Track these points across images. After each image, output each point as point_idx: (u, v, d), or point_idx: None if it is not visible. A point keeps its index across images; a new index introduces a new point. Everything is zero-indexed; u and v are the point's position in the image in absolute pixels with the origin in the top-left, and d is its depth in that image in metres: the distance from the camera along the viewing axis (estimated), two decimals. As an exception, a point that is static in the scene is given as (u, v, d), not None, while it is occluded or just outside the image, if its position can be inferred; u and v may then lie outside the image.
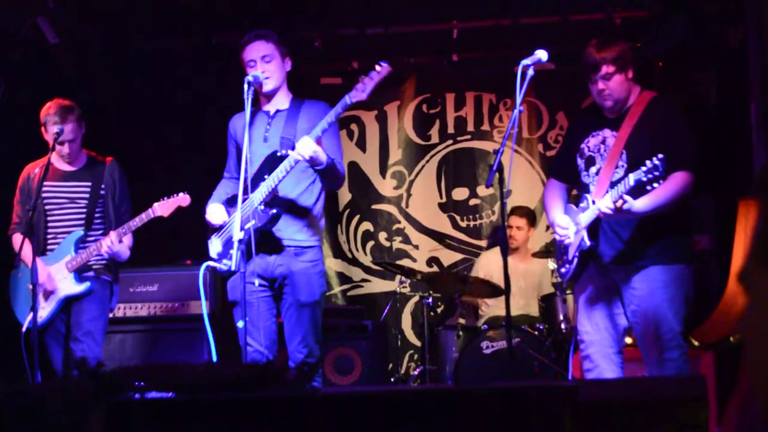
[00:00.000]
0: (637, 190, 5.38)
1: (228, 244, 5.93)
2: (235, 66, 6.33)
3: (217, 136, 6.65)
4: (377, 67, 5.80)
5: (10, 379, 3.93)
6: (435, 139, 10.29)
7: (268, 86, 6.13)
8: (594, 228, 5.72)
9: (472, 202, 10.19)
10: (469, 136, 10.26)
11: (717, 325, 6.85)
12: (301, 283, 6.02)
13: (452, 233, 10.20)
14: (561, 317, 8.18)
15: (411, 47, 9.94)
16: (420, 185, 10.30)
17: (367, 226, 10.23)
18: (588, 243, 5.70)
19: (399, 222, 10.25)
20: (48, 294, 6.68)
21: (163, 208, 6.75)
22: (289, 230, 6.03)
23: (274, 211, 5.89)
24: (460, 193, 10.24)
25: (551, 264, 8.74)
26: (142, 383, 3.92)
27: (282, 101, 6.24)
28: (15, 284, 6.84)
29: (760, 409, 1.72)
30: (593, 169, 5.80)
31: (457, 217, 10.20)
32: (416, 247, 10.21)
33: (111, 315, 6.95)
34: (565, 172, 6.09)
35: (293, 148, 5.80)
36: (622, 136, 5.69)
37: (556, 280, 8.63)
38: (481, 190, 10.12)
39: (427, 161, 10.27)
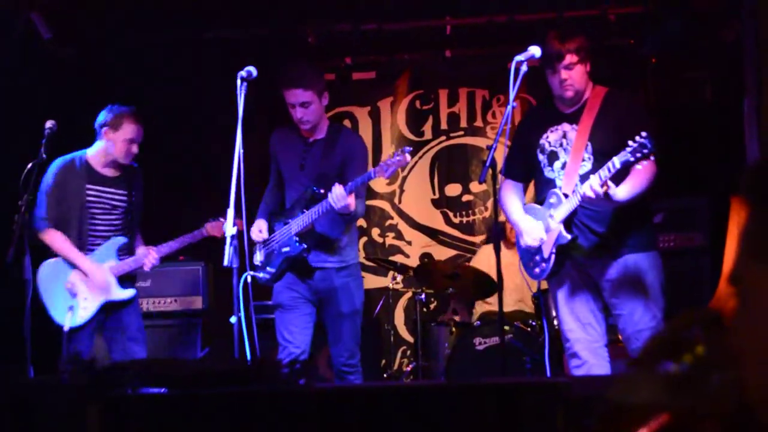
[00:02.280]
0: (620, 174, 5.40)
1: (271, 256, 6.54)
2: (230, 61, 6.34)
3: (211, 131, 6.67)
4: (403, 153, 6.09)
5: (7, 374, 3.94)
6: (428, 135, 10.29)
7: (304, 127, 6.52)
8: (568, 222, 5.73)
9: (465, 198, 10.19)
10: (462, 132, 10.26)
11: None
12: (342, 297, 6.57)
13: (445, 229, 10.20)
14: (554, 314, 8.17)
15: (404, 43, 9.92)
16: (413, 181, 10.30)
17: (359, 221, 10.22)
18: (568, 236, 5.70)
19: (392, 218, 10.25)
20: (91, 293, 6.73)
21: (214, 229, 6.90)
22: (325, 254, 6.56)
23: (305, 246, 6.41)
24: (453, 189, 10.24)
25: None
26: (136, 378, 3.93)
27: (319, 130, 6.61)
28: (49, 280, 6.84)
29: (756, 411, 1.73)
30: (558, 164, 5.82)
31: (450, 213, 10.20)
32: (409, 243, 10.21)
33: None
34: (521, 170, 6.12)
35: (328, 183, 6.23)
36: (584, 128, 5.72)
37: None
38: (474, 186, 10.12)
39: (420, 157, 10.27)
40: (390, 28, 9.52)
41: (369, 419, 3.84)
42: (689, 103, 8.95)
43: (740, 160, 6.94)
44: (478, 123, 10.23)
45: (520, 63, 5.59)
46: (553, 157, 5.85)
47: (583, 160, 5.68)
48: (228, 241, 5.71)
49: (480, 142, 10.12)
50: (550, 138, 5.87)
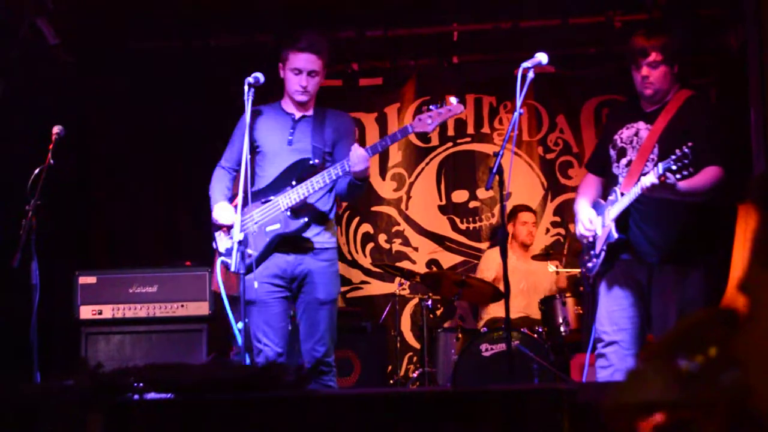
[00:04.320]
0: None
1: (247, 239, 5.93)
2: (235, 68, 6.33)
3: (217, 136, 6.66)
4: (450, 102, 5.98)
5: (13, 381, 3.94)
6: (435, 141, 10.28)
7: (303, 98, 6.19)
8: (622, 222, 5.71)
9: (472, 204, 10.19)
10: (469, 139, 10.26)
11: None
12: (320, 281, 6.08)
13: (452, 235, 10.19)
14: (560, 320, 8.18)
15: (411, 49, 9.93)
16: (420, 187, 10.30)
17: (366, 228, 10.22)
18: (616, 235, 5.69)
19: (399, 224, 10.25)
20: None
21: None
22: (310, 233, 6.08)
23: (306, 219, 6.01)
24: (459, 196, 10.23)
25: (551, 267, 8.76)
26: (141, 384, 3.92)
27: (309, 107, 6.30)
28: None
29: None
30: (624, 161, 5.82)
31: (457, 220, 10.20)
32: (416, 249, 10.21)
33: (110, 316, 7.03)
34: (600, 164, 6.11)
35: (321, 158, 6.01)
36: (657, 129, 5.71)
37: (559, 282, 8.66)
38: (481, 193, 10.12)
39: (427, 163, 10.27)
40: (396, 34, 9.53)
41: (375, 425, 3.84)
42: (720, 111, 8.94)
43: (747, 169, 6.92)
44: (485, 129, 10.23)
45: (526, 69, 5.58)
46: (621, 153, 5.85)
47: (648, 161, 5.67)
48: (235, 246, 5.69)
49: (487, 148, 10.12)
50: (624, 134, 5.86)
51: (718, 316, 1.86)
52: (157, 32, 9.08)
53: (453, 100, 5.99)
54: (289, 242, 6.05)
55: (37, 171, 6.71)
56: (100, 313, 7.71)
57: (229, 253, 5.96)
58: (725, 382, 1.73)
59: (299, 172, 6.02)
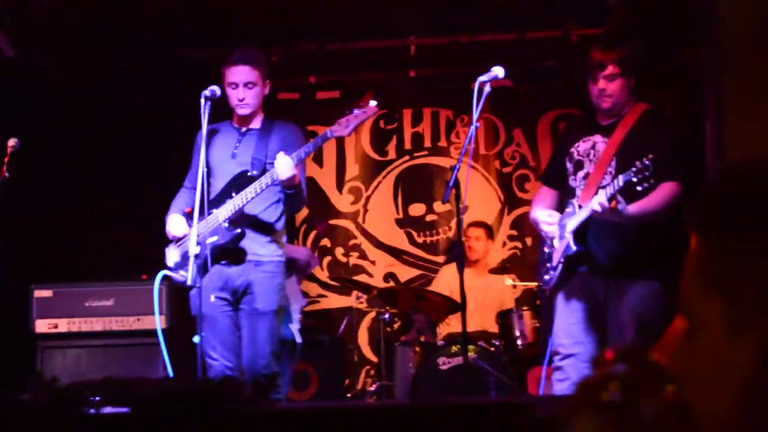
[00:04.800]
0: (626, 193, 5.38)
1: (186, 255, 5.96)
2: (194, 81, 6.32)
3: (175, 150, 6.65)
4: (364, 106, 5.99)
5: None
6: (392, 155, 10.31)
7: (244, 111, 6.22)
8: (580, 234, 5.72)
9: (429, 218, 10.21)
10: (426, 152, 10.29)
11: (661, 353, 6.88)
12: (259, 292, 6.07)
13: (409, 249, 10.21)
14: (518, 333, 8.19)
15: (368, 63, 9.94)
16: (377, 201, 10.31)
17: (323, 241, 10.22)
18: (574, 248, 5.67)
19: (356, 237, 10.25)
20: None
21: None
22: (252, 246, 6.09)
23: (239, 230, 6.00)
24: (416, 209, 10.26)
25: (508, 281, 8.78)
26: (97, 398, 3.90)
27: (254, 120, 6.31)
28: None
29: None
30: (581, 174, 5.82)
31: (414, 233, 10.22)
32: (373, 262, 10.21)
33: (66, 330, 7.06)
34: (556, 177, 6.09)
35: (263, 170, 5.98)
36: (614, 142, 5.72)
37: (516, 294, 8.67)
38: (438, 206, 10.14)
39: (384, 177, 10.28)
40: (354, 48, 9.54)
41: (333, 439, 3.83)
42: (676, 124, 9.00)
43: (700, 181, 6.98)
44: (442, 143, 10.27)
45: (483, 83, 5.60)
46: (578, 166, 5.85)
47: (606, 174, 5.67)
48: (191, 260, 5.68)
49: (444, 162, 10.14)
50: (580, 147, 5.86)
51: (622, 354, 1.87)
52: (114, 43, 9.02)
53: (372, 102, 6.03)
54: (228, 254, 6.06)
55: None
56: (56, 327, 7.66)
57: (176, 267, 6.08)
58: (649, 411, 1.74)
59: (239, 184, 6.04)
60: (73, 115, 9.38)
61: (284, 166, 5.80)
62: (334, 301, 10.00)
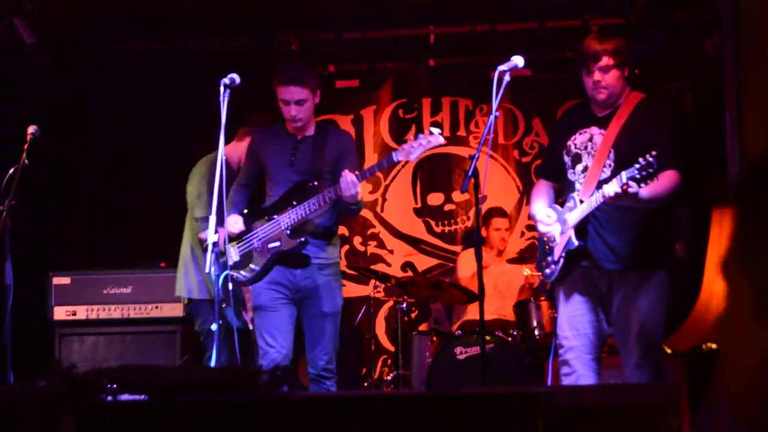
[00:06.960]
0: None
1: (247, 256, 6.46)
2: (213, 71, 6.32)
3: (193, 138, 6.65)
4: (430, 133, 6.20)
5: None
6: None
7: (297, 125, 6.52)
8: (581, 229, 5.71)
9: (447, 207, 10.19)
10: (444, 142, 10.25)
11: (689, 334, 6.85)
12: (324, 295, 6.51)
13: (427, 238, 10.20)
14: (535, 323, 8.17)
15: (388, 52, 9.93)
16: (395, 190, 10.31)
17: (341, 230, 10.21)
18: (576, 242, 5.68)
19: (374, 226, 10.25)
20: None
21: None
22: (314, 250, 6.47)
23: (302, 239, 6.37)
24: (435, 199, 10.24)
25: (526, 271, 8.75)
26: (114, 386, 3.91)
27: (309, 128, 6.61)
28: None
29: (735, 414, 1.74)
30: (579, 167, 5.80)
31: (432, 223, 10.21)
32: (391, 251, 10.21)
33: (84, 317, 7.09)
34: (553, 170, 6.08)
35: (321, 178, 6.39)
36: (610, 134, 5.70)
37: (534, 284, 8.64)
38: (457, 196, 10.13)
39: (403, 166, 10.26)
40: (373, 37, 9.52)
41: (350, 428, 3.83)
42: (670, 113, 8.96)
43: (721, 172, 6.94)
44: (461, 132, 10.24)
45: (503, 73, 5.59)
46: (576, 159, 5.83)
47: (605, 166, 5.67)
48: (210, 248, 5.70)
49: (462, 151, 10.11)
50: (577, 140, 5.84)
51: None
52: (133, 34, 9.02)
53: (435, 131, 6.19)
54: (290, 258, 6.41)
55: (11, 171, 6.67)
56: (74, 314, 7.69)
57: (235, 267, 6.44)
58: None
59: (300, 193, 6.36)
60: (92, 103, 9.39)
61: (348, 184, 6.11)
62: (351, 290, 9.98)
